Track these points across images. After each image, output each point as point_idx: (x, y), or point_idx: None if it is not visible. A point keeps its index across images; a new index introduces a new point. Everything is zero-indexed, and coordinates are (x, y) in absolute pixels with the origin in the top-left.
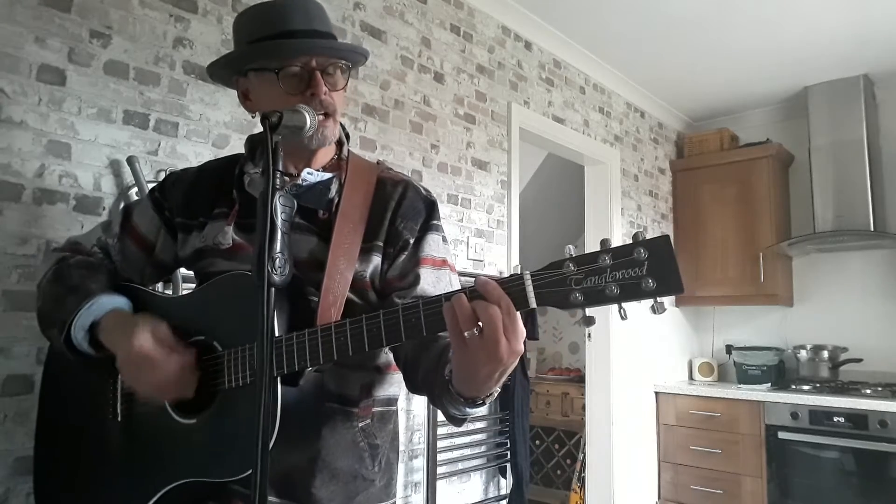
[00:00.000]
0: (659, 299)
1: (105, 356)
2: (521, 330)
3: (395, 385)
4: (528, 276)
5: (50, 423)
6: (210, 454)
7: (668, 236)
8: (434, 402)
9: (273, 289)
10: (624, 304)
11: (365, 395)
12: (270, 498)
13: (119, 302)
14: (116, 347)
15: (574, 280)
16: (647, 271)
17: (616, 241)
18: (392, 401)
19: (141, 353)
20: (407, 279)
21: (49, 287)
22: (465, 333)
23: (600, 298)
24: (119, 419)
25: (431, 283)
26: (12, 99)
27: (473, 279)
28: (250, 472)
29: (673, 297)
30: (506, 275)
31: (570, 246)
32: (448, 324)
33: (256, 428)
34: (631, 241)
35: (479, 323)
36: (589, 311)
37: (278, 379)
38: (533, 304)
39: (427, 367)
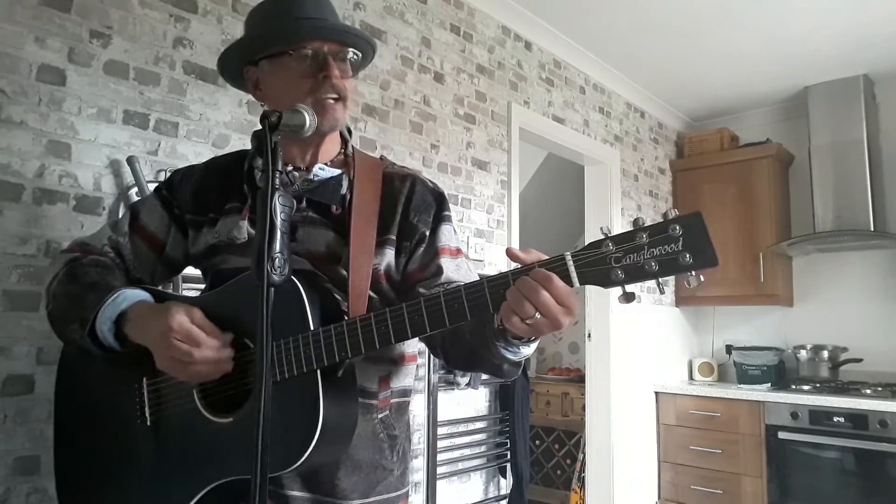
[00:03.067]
0: (694, 272)
1: (130, 350)
2: (570, 294)
3: (409, 376)
4: (570, 257)
5: (69, 429)
6: (250, 451)
7: (699, 213)
8: (479, 363)
9: (300, 283)
10: (661, 279)
11: (383, 387)
12: (296, 492)
13: (143, 294)
14: (149, 331)
15: (614, 258)
16: (682, 246)
17: None
18: (407, 392)
19: (182, 330)
20: (429, 269)
21: (63, 288)
22: (528, 321)
23: (640, 274)
24: (148, 423)
25: (453, 270)
26: (12, 99)
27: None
28: (295, 466)
29: (673, 297)
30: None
31: (605, 225)
32: (506, 317)
33: (257, 429)
34: (662, 220)
35: (536, 313)
36: (629, 288)
37: (318, 371)
38: (576, 283)
39: (471, 328)
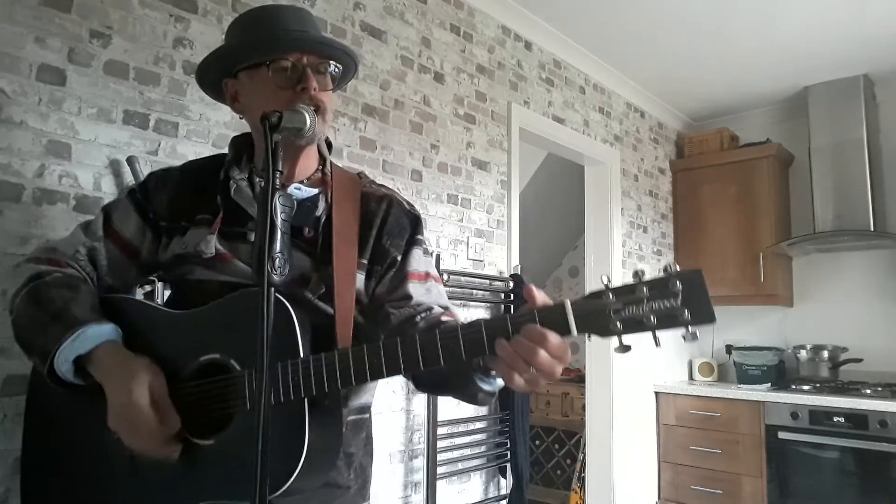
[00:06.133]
0: (691, 329)
1: (91, 385)
2: (564, 348)
3: (368, 393)
4: (570, 305)
5: (40, 447)
6: (233, 476)
7: (700, 270)
8: (451, 391)
9: (291, 306)
10: (658, 333)
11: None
12: None
13: (107, 331)
14: (109, 387)
15: (613, 310)
16: (681, 302)
17: (616, 244)
18: (365, 409)
19: (136, 409)
20: (397, 293)
21: (26, 308)
22: (525, 376)
23: (638, 327)
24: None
25: (422, 293)
26: (12, 99)
27: (508, 311)
28: (276, 494)
29: None
30: (506, 273)
31: (605, 275)
32: (504, 375)
33: (256, 438)
34: (664, 274)
35: (532, 368)
36: (626, 339)
37: (305, 400)
38: (574, 332)
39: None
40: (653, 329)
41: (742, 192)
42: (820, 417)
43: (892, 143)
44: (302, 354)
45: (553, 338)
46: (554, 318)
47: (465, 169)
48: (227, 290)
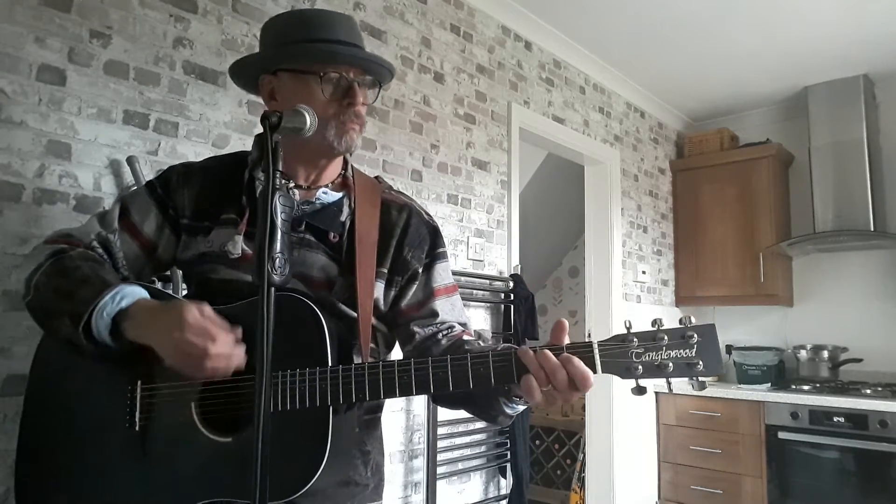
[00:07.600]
0: (701, 378)
1: (122, 349)
2: (585, 380)
3: None
4: (597, 346)
5: (41, 431)
6: (248, 475)
7: (713, 325)
8: (470, 408)
9: (318, 309)
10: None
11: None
12: None
13: (143, 291)
14: (157, 328)
15: (635, 353)
16: (696, 353)
17: (616, 244)
18: (377, 407)
19: (197, 325)
20: (424, 310)
21: (50, 280)
22: (543, 389)
23: (656, 373)
24: (137, 428)
25: (448, 310)
26: (12, 99)
27: (547, 345)
28: (294, 496)
29: (673, 297)
30: (506, 273)
31: (628, 319)
32: (525, 390)
33: (256, 433)
34: (681, 325)
35: (553, 387)
36: (642, 382)
37: (330, 408)
38: (599, 370)
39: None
40: (669, 375)
41: (742, 192)
42: (820, 417)
43: (892, 143)
44: (330, 362)
45: (577, 362)
46: (581, 357)
47: (465, 169)
48: (255, 291)
